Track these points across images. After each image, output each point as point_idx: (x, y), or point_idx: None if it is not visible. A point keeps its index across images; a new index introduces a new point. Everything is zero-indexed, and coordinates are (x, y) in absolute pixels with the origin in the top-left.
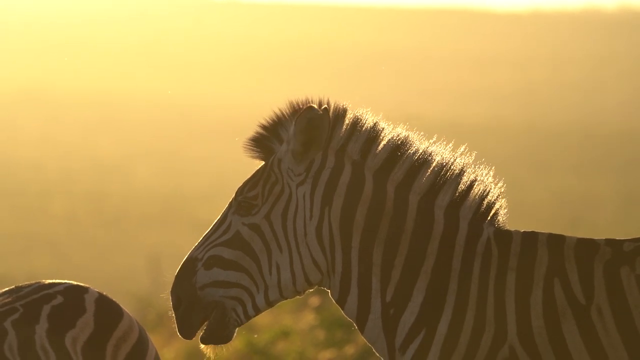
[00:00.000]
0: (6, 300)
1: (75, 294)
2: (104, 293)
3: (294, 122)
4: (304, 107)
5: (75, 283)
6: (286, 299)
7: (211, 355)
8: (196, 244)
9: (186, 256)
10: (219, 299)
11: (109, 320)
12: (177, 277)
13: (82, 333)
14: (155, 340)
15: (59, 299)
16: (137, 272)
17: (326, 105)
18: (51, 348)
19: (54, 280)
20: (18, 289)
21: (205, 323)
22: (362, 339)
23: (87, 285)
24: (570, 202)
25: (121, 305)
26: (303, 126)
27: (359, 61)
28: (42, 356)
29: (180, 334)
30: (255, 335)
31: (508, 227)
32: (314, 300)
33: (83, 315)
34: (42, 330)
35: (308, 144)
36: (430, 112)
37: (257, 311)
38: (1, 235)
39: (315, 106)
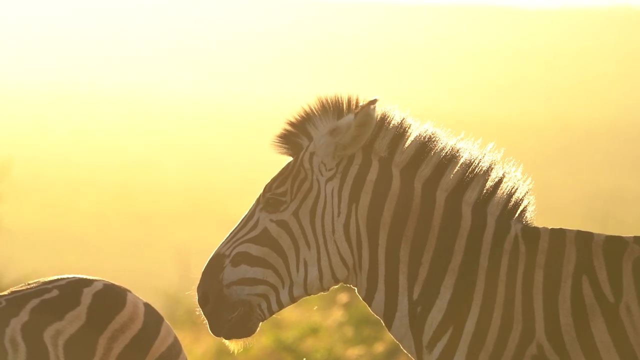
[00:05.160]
0: (1, 295)
1: (73, 287)
2: (117, 285)
3: (352, 115)
4: (367, 103)
5: (81, 277)
6: (310, 295)
7: (235, 348)
8: (223, 240)
9: (213, 252)
10: (245, 297)
11: (104, 313)
12: (204, 273)
13: (70, 326)
14: (183, 336)
15: (53, 293)
16: (166, 268)
17: (380, 108)
18: (23, 340)
19: (62, 275)
20: (26, 285)
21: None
22: (390, 336)
23: (94, 278)
24: (600, 199)
25: (133, 298)
26: (363, 121)
27: (386, 57)
28: (9, 349)
29: (211, 331)
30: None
31: (537, 224)
32: (343, 297)
33: (75, 308)
34: (17, 323)
35: (357, 140)
36: (459, 108)
37: (281, 306)
38: (30, 231)
39: (373, 105)
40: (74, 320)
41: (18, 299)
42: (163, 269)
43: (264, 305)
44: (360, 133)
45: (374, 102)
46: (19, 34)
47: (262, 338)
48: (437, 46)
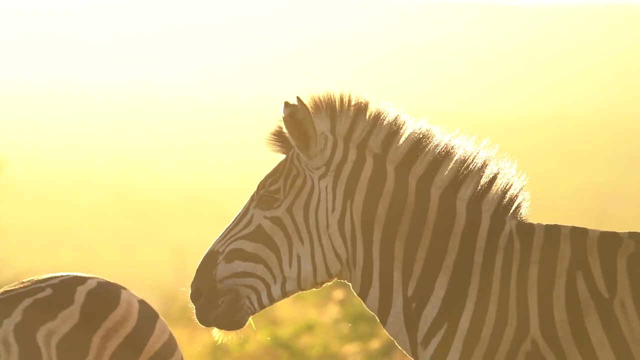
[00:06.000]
0: None
1: (67, 285)
2: (112, 282)
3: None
4: (285, 106)
5: (75, 274)
6: (304, 290)
7: (225, 340)
8: (217, 237)
9: (207, 249)
10: (233, 286)
11: (98, 311)
12: (198, 270)
13: (64, 325)
14: (179, 333)
15: (47, 292)
16: (162, 266)
17: (297, 96)
18: (15, 341)
19: (56, 273)
20: (20, 283)
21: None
22: (386, 333)
23: (89, 276)
24: (597, 196)
25: (128, 295)
26: (288, 121)
27: (383, 55)
28: (1, 350)
29: (199, 322)
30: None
31: (533, 220)
32: (338, 294)
33: (68, 307)
34: (10, 324)
35: (304, 137)
36: (455, 105)
37: (272, 301)
38: (27, 228)
39: (290, 100)
40: (67, 319)
41: (11, 299)
42: (159, 266)
43: (254, 297)
44: (298, 132)
45: (287, 103)
46: (17, 34)
47: (257, 335)
48: (434, 43)
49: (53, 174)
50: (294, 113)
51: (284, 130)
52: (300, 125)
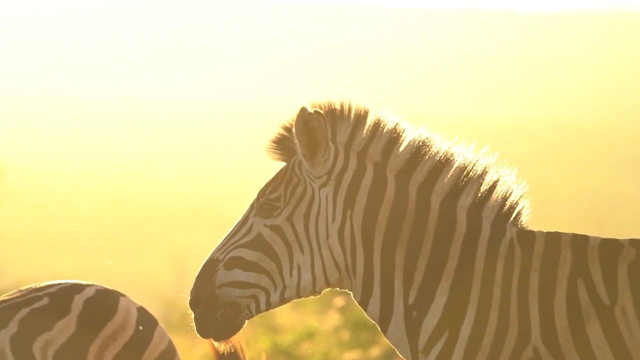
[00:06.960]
0: None
1: (65, 294)
2: (110, 289)
3: (293, 127)
4: (299, 111)
5: (74, 282)
6: (301, 297)
7: (225, 349)
8: (217, 245)
9: (207, 257)
10: (235, 299)
11: (95, 321)
12: (197, 277)
13: (60, 335)
14: (180, 341)
15: (44, 301)
16: (162, 273)
17: (317, 108)
18: (12, 353)
19: (55, 281)
20: (18, 291)
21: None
22: (387, 340)
23: (87, 283)
24: (596, 203)
25: (126, 303)
26: (300, 128)
27: (382, 61)
28: None
29: (198, 333)
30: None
31: (533, 227)
32: (339, 301)
33: (65, 316)
34: (6, 335)
35: (313, 146)
36: (454, 112)
37: (269, 307)
38: (27, 234)
39: (308, 107)
40: (64, 329)
41: (7, 309)
42: (159, 272)
43: (253, 305)
44: (308, 140)
45: (302, 107)
46: (16, 40)
47: (258, 342)
48: (433, 49)
49: (52, 180)
50: (309, 121)
51: (293, 134)
52: (312, 133)
